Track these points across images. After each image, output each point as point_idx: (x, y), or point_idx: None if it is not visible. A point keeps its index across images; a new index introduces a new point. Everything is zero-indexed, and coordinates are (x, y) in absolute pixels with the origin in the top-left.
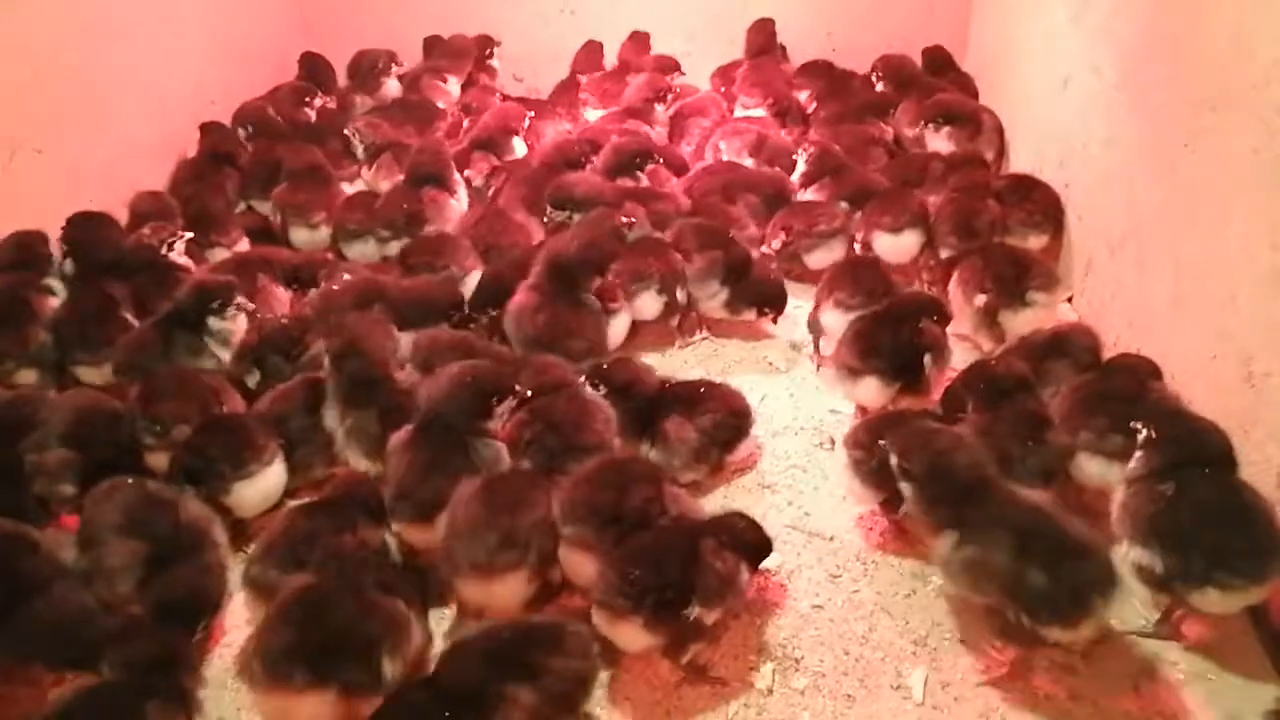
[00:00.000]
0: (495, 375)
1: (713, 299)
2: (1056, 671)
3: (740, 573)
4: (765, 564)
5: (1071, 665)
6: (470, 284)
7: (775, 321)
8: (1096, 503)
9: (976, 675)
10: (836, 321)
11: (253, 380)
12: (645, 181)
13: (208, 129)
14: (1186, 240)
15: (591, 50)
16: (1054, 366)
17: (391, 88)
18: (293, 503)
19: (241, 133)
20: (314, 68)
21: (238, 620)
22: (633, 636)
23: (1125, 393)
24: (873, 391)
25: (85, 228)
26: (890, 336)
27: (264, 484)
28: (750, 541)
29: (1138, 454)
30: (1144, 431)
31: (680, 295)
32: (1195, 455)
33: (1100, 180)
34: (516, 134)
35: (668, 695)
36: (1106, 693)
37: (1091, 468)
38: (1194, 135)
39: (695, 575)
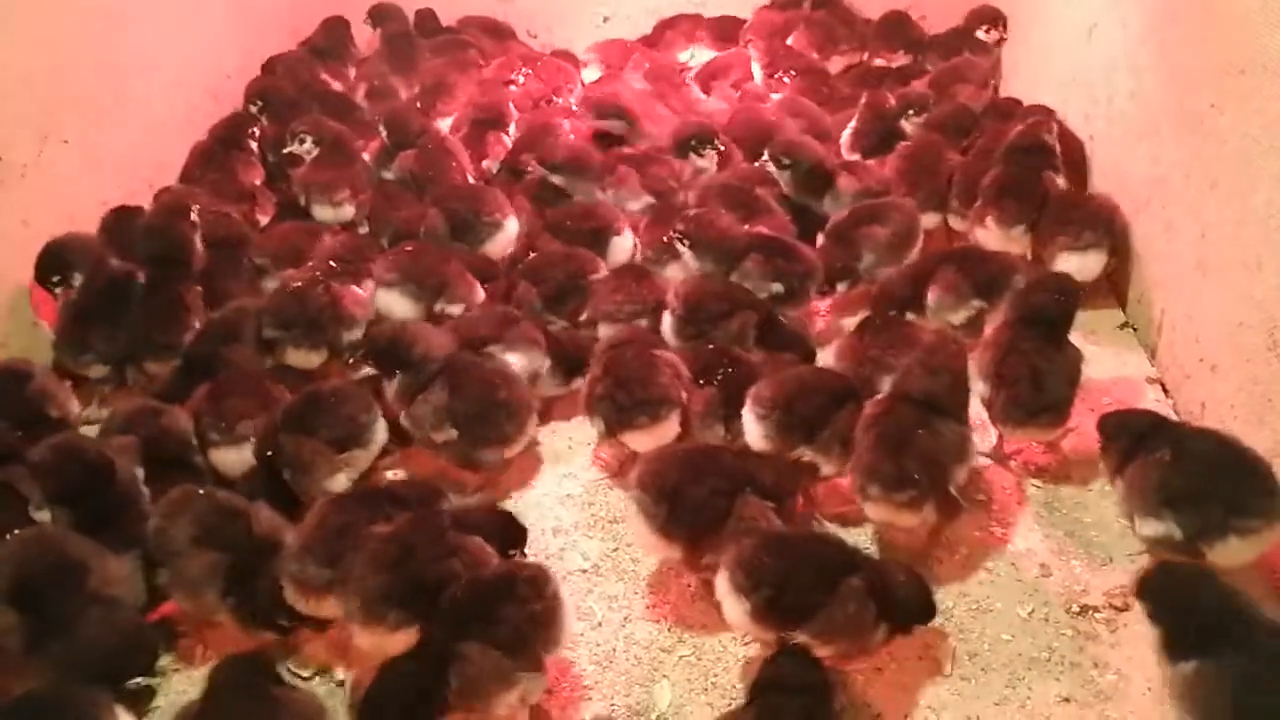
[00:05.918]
0: None
1: None
2: (1081, 640)
3: (875, 628)
4: None
5: (1094, 633)
6: (508, 231)
7: None
8: None
9: (1002, 645)
10: None
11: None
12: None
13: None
14: (1213, 204)
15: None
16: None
17: None
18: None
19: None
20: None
21: None
22: (737, 618)
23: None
24: None
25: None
26: None
27: None
28: (901, 600)
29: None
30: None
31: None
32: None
33: (1125, 136)
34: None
35: (712, 665)
36: (1129, 660)
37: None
38: (1221, 97)
39: (820, 603)
